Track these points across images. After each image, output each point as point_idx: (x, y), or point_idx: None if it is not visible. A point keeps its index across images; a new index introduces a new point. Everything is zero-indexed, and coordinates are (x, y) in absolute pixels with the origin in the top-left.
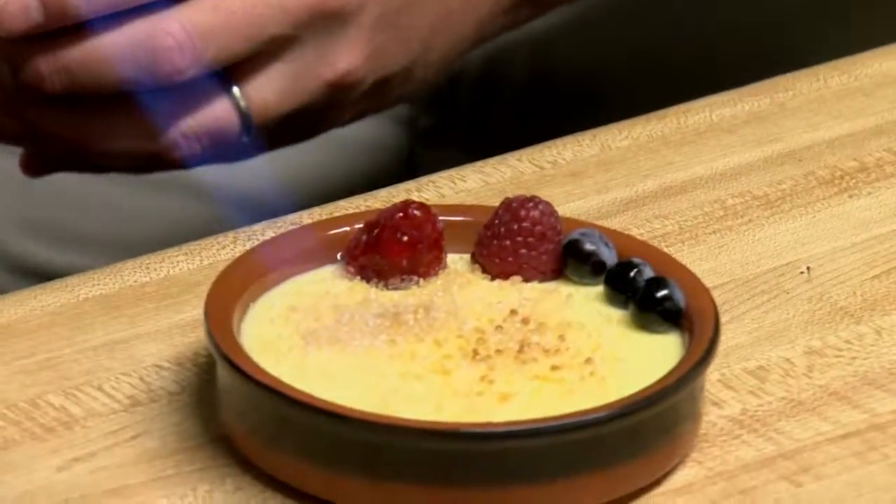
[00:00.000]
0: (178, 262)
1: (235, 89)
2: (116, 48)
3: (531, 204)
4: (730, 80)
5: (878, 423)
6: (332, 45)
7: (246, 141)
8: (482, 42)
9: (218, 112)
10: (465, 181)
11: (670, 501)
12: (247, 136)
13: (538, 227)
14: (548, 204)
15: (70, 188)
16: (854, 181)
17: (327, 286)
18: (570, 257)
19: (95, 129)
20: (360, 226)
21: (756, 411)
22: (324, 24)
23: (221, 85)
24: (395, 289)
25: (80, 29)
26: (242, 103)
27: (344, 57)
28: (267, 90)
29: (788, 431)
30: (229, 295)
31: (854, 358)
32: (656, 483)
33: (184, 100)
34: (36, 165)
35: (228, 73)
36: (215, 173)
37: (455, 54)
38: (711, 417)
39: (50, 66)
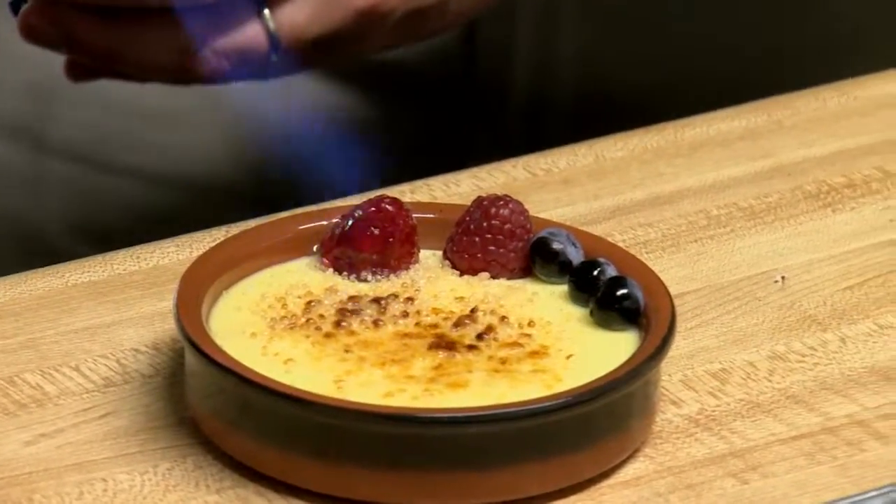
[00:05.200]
0: (168, 252)
1: (266, 11)
2: None
3: (501, 202)
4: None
5: (831, 427)
6: None
7: (275, 61)
8: None
9: (248, 32)
10: (458, 185)
11: (617, 493)
12: (275, 57)
13: (507, 226)
14: (518, 203)
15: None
16: (839, 196)
17: (300, 277)
18: (537, 255)
19: (127, 40)
20: (337, 219)
21: (713, 411)
22: None
23: (253, 6)
24: (366, 281)
25: None
26: (272, 25)
27: None
28: (297, 14)
29: (742, 431)
30: (201, 281)
31: (816, 364)
32: (605, 475)
33: (216, 18)
34: (78, 71)
35: None
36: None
37: None
38: (668, 415)
39: None
